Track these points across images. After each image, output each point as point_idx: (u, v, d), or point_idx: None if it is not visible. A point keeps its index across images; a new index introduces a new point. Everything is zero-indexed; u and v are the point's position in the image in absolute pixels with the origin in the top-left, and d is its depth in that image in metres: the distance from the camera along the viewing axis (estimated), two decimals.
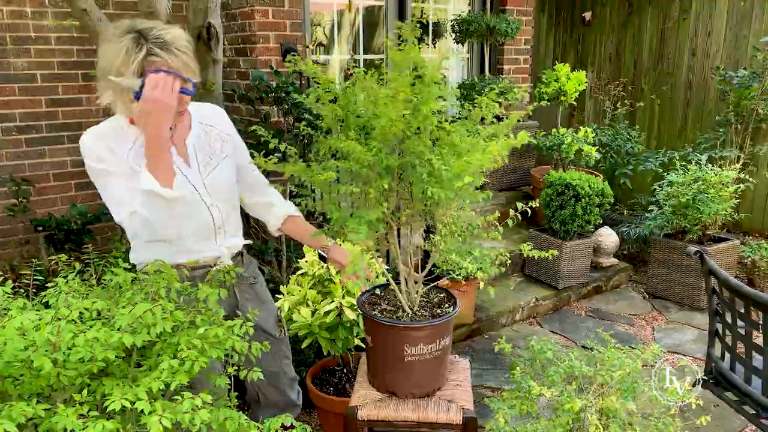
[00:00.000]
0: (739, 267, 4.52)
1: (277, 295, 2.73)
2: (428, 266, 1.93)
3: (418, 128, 1.67)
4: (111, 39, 1.60)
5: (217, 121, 1.96)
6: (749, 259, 4.41)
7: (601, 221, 4.36)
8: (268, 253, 3.55)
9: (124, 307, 1.36)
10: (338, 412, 2.68)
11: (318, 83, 1.73)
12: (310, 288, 2.67)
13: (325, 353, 2.68)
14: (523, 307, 4.00)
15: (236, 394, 1.62)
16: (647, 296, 4.42)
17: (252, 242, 2.95)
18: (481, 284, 1.88)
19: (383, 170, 1.67)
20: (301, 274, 2.72)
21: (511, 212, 1.92)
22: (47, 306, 1.51)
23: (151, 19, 2.76)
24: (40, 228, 3.51)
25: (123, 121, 1.75)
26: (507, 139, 1.63)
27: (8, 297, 1.42)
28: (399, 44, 1.64)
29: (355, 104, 1.74)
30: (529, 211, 1.93)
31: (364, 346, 2.84)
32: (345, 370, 2.89)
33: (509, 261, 1.93)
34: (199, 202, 1.86)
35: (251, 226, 3.39)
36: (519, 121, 1.79)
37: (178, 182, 1.72)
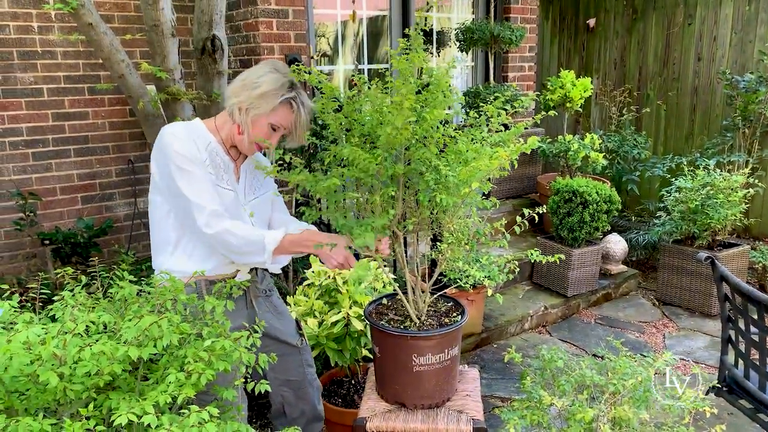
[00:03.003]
0: (750, 272, 4.48)
1: None
2: (435, 275, 1.92)
3: (424, 136, 1.67)
4: (275, 71, 1.85)
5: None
6: (760, 264, 4.36)
7: (610, 228, 4.34)
8: None
9: (130, 320, 1.36)
10: (347, 424, 2.65)
11: (323, 93, 1.73)
12: (317, 298, 2.66)
13: (332, 364, 2.66)
14: (531, 315, 3.97)
15: (241, 406, 1.60)
16: (657, 303, 4.37)
17: None
18: (489, 291, 1.86)
19: (388, 178, 1.66)
20: (308, 285, 2.71)
21: (518, 219, 1.90)
22: (54, 320, 1.50)
23: (155, 32, 2.78)
24: (47, 241, 3.51)
25: (201, 127, 1.89)
26: (517, 144, 1.61)
27: (15, 311, 1.41)
28: (406, 51, 1.64)
29: (360, 113, 1.73)
30: (536, 218, 1.92)
31: (372, 356, 2.83)
32: (353, 381, 2.87)
33: (517, 269, 1.91)
34: (244, 215, 1.92)
35: None
36: (525, 128, 1.78)
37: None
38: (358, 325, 2.54)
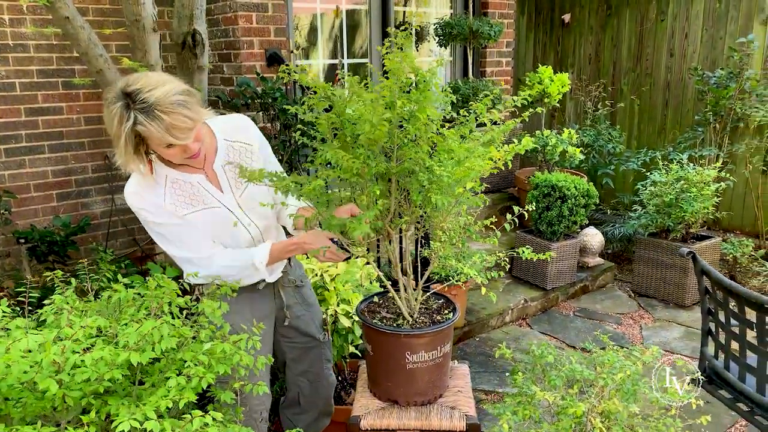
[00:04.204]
0: (721, 263, 4.60)
1: None
2: (427, 273, 1.93)
3: (415, 135, 1.67)
4: (107, 105, 1.61)
5: (242, 135, 1.94)
6: (731, 255, 4.49)
7: (587, 221, 4.41)
8: None
9: (126, 325, 1.34)
10: (336, 421, 2.66)
11: (314, 92, 1.71)
12: None
13: None
14: (512, 308, 4.02)
15: (240, 409, 1.59)
16: (633, 295, 4.47)
17: None
18: (483, 290, 1.89)
19: (373, 177, 1.66)
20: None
21: (509, 216, 1.93)
22: (41, 323, 1.47)
23: (136, 27, 2.72)
24: (22, 240, 3.43)
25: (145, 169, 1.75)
26: (512, 145, 1.63)
27: (5, 316, 1.38)
28: (396, 50, 1.63)
29: (351, 112, 1.73)
30: (525, 214, 1.94)
31: (358, 353, 2.83)
32: (339, 378, 2.87)
33: (508, 264, 1.94)
34: (238, 225, 1.88)
35: None
36: (499, 123, 1.81)
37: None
38: (345, 322, 2.54)
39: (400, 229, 1.83)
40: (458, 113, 1.85)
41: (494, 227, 1.96)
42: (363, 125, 1.48)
